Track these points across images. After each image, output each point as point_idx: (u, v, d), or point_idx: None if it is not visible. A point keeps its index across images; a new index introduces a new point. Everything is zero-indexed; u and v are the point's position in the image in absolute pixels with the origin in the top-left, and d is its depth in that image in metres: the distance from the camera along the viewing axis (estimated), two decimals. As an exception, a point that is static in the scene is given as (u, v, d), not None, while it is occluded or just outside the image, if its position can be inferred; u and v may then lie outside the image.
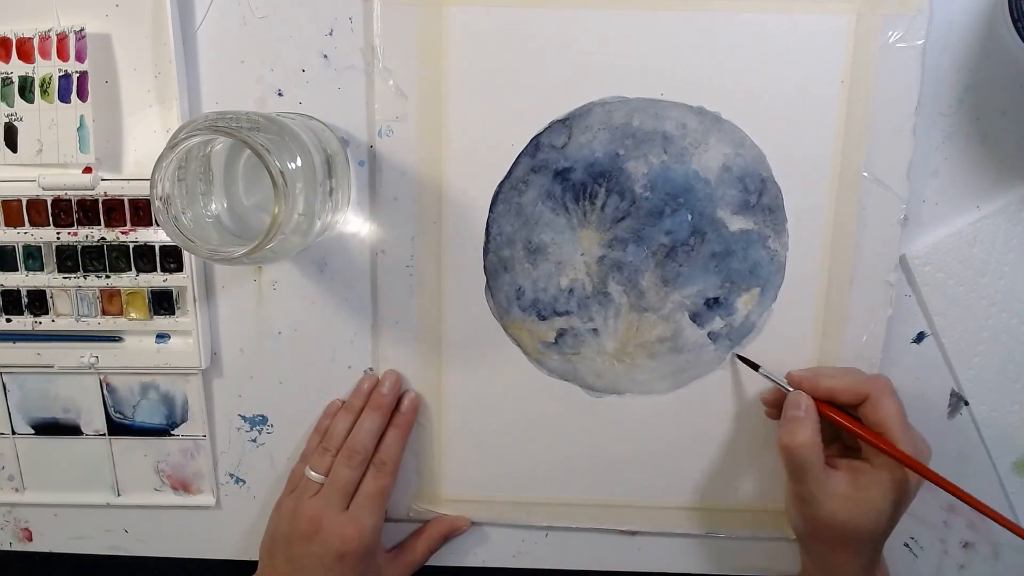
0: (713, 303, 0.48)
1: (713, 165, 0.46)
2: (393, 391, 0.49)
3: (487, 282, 0.49)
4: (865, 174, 0.46)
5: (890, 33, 0.44)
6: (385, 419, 0.49)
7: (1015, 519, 0.51)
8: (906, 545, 0.52)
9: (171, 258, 0.48)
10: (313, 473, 0.48)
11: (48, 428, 0.52)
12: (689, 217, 0.47)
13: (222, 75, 0.47)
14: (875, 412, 0.43)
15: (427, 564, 0.52)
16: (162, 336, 0.50)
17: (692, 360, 0.49)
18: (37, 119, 0.46)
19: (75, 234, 0.47)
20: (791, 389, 0.46)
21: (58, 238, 0.48)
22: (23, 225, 0.47)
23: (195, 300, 0.48)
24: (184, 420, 0.51)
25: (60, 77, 0.45)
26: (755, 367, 0.48)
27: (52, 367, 0.50)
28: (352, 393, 0.50)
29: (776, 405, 0.47)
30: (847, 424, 0.44)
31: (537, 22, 0.45)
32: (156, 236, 0.47)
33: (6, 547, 0.55)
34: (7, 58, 0.46)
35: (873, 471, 0.43)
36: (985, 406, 0.49)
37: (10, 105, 0.46)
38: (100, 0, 0.45)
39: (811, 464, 0.43)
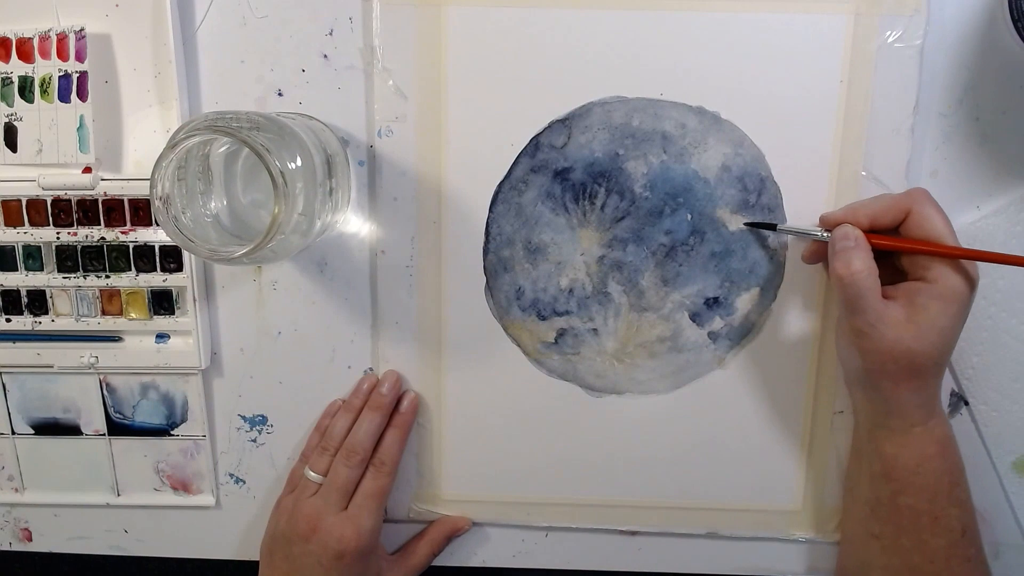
0: (713, 303, 0.48)
1: (712, 165, 0.46)
2: (393, 391, 0.49)
3: (487, 282, 0.49)
4: (864, 173, 0.46)
5: (888, 33, 0.44)
6: (385, 419, 0.49)
7: (1015, 519, 0.51)
8: (906, 545, 0.52)
9: (171, 258, 0.48)
10: (312, 473, 0.48)
11: (48, 428, 0.52)
12: (689, 217, 0.47)
13: (222, 75, 0.47)
14: (920, 225, 0.42)
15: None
16: (162, 336, 0.50)
17: (692, 360, 0.49)
18: (37, 119, 0.46)
19: (75, 234, 0.48)
20: (824, 233, 0.44)
21: (58, 238, 0.48)
22: (23, 225, 0.48)
23: (195, 300, 0.48)
24: (184, 420, 0.51)
25: (60, 77, 0.45)
26: (772, 227, 0.46)
27: (52, 367, 0.50)
28: (352, 393, 0.50)
29: (816, 252, 0.46)
30: (898, 244, 0.42)
31: (536, 22, 0.45)
32: (156, 236, 0.47)
33: (6, 547, 0.55)
34: (7, 58, 0.46)
35: (929, 287, 0.41)
36: (985, 406, 0.49)
37: (10, 105, 0.46)
38: (100, 0, 0.45)
39: (870, 292, 0.41)
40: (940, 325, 0.41)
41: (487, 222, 0.48)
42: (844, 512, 0.50)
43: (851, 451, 0.49)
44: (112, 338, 0.50)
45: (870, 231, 0.43)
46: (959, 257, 0.41)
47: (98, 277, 0.48)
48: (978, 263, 0.42)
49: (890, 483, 0.44)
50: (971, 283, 0.42)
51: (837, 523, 0.51)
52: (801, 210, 0.47)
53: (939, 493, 0.43)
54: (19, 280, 0.48)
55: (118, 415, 0.52)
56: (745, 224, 0.47)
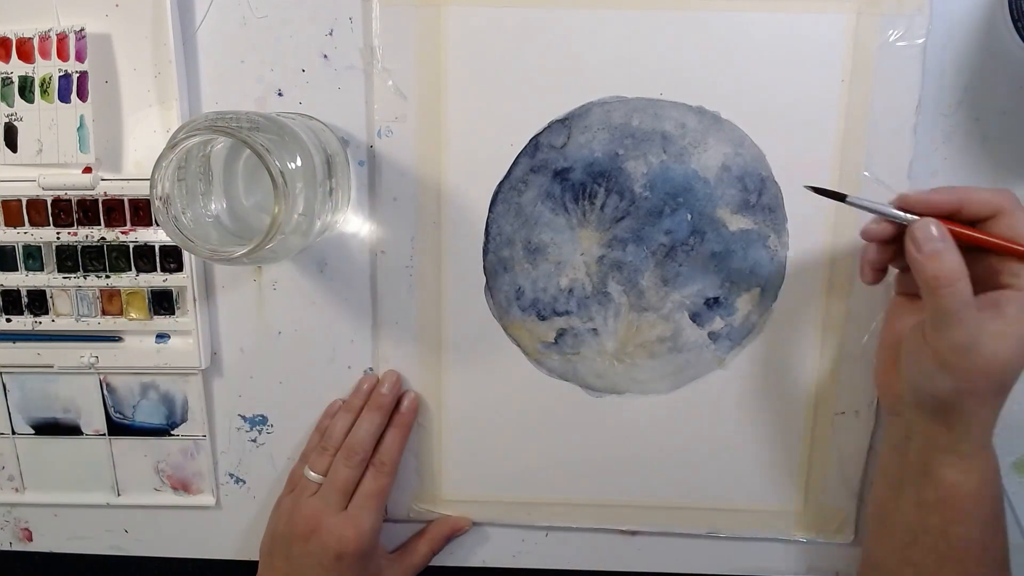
0: (713, 303, 0.48)
1: (713, 164, 0.46)
2: (393, 391, 0.49)
3: (487, 282, 0.49)
4: (866, 173, 0.46)
5: (890, 32, 0.44)
6: (385, 419, 0.49)
7: (1015, 519, 0.51)
8: (906, 545, 0.52)
9: (171, 258, 0.48)
10: (312, 473, 0.48)
11: (48, 428, 0.52)
12: (689, 217, 0.47)
13: (222, 75, 0.47)
14: (1012, 227, 0.37)
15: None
16: (162, 336, 0.50)
17: (692, 360, 0.49)
18: (37, 119, 0.46)
19: (75, 234, 0.48)
20: (911, 216, 0.39)
21: (58, 238, 0.48)
22: (23, 225, 0.48)
23: (195, 300, 0.48)
24: (184, 420, 0.51)
25: (60, 77, 0.45)
26: (841, 198, 0.40)
27: (52, 367, 0.50)
28: (352, 393, 0.50)
29: (884, 240, 0.40)
30: (991, 239, 0.38)
31: (536, 22, 0.45)
32: (156, 236, 0.47)
33: (6, 547, 0.55)
34: (7, 58, 0.46)
35: (1018, 295, 0.37)
36: (985, 406, 0.49)
37: (10, 105, 0.46)
38: (100, 0, 0.45)
39: (969, 302, 0.36)
40: None
41: (487, 222, 0.48)
42: (873, 538, 0.46)
43: (886, 479, 0.45)
44: (112, 338, 0.50)
45: (950, 220, 0.38)
46: None
47: (98, 277, 0.48)
48: None
49: (945, 512, 0.40)
50: None
51: (838, 523, 0.51)
52: (801, 210, 0.47)
53: (989, 522, 0.41)
54: (19, 280, 0.48)
55: (118, 415, 0.52)
56: (810, 187, 0.41)
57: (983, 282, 0.38)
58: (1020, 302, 0.37)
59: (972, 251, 0.38)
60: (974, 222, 0.39)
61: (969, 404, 0.39)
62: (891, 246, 0.41)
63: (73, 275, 0.48)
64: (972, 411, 0.39)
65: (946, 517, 0.41)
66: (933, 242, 0.37)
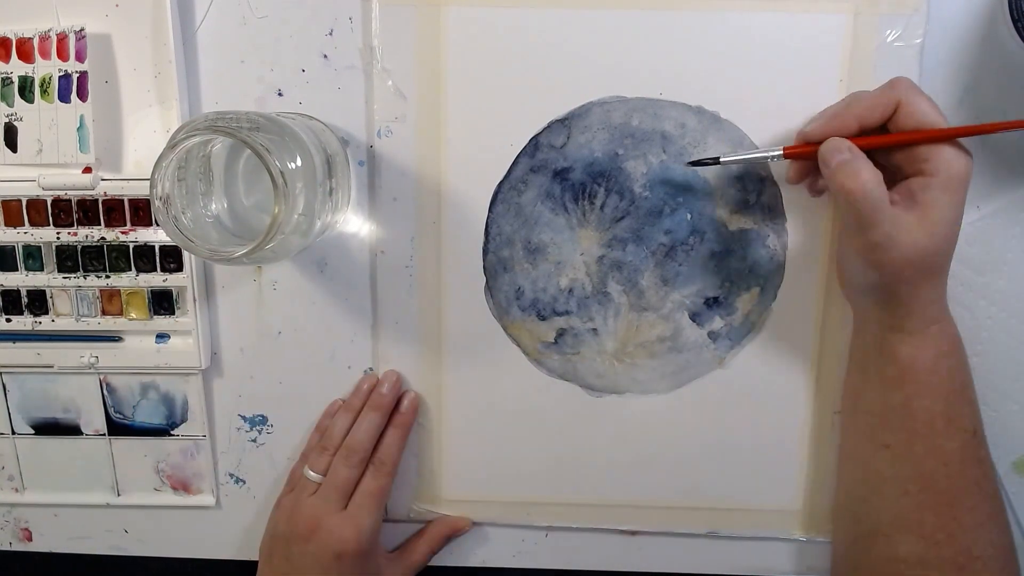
0: (713, 302, 0.48)
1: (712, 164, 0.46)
2: (393, 391, 0.49)
3: (487, 282, 0.49)
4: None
5: (888, 32, 0.44)
6: (384, 419, 0.49)
7: (1015, 519, 0.51)
8: (906, 545, 0.52)
9: (171, 258, 0.48)
10: (311, 472, 0.48)
11: (48, 428, 0.52)
12: (688, 216, 0.47)
13: (222, 75, 0.47)
14: (912, 115, 0.39)
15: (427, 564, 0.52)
16: (162, 336, 0.50)
17: (692, 360, 0.49)
18: (37, 119, 0.46)
19: (75, 234, 0.48)
20: (773, 155, 0.43)
21: (58, 238, 0.48)
22: (23, 225, 0.48)
23: (195, 300, 0.48)
24: (184, 420, 0.51)
25: (60, 77, 0.45)
26: (715, 161, 0.44)
27: (52, 367, 0.50)
28: (352, 393, 0.50)
29: (800, 170, 0.44)
30: (898, 138, 0.40)
31: (536, 22, 0.45)
32: (156, 236, 0.47)
33: (6, 547, 0.55)
34: (7, 58, 0.46)
35: (933, 180, 0.39)
36: (985, 406, 0.49)
37: (10, 105, 0.46)
38: (100, 0, 0.45)
39: (882, 202, 0.39)
40: (950, 217, 0.39)
41: (487, 222, 0.48)
42: (844, 431, 0.48)
43: (852, 365, 0.47)
44: (112, 338, 0.50)
45: (858, 135, 0.41)
46: (962, 135, 0.39)
47: (98, 277, 0.48)
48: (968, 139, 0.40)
49: (905, 387, 0.43)
50: (970, 163, 0.40)
51: (833, 521, 0.51)
52: (801, 209, 0.47)
53: (953, 392, 0.43)
54: (19, 280, 0.48)
55: (118, 415, 0.52)
56: (688, 164, 0.45)
57: (900, 172, 0.41)
58: (935, 187, 0.39)
59: (887, 150, 0.41)
60: (882, 126, 0.41)
61: (900, 289, 0.41)
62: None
63: (73, 275, 0.48)
64: (906, 295, 0.41)
65: (907, 392, 0.43)
66: (840, 155, 0.40)
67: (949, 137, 0.39)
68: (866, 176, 0.39)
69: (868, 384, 0.45)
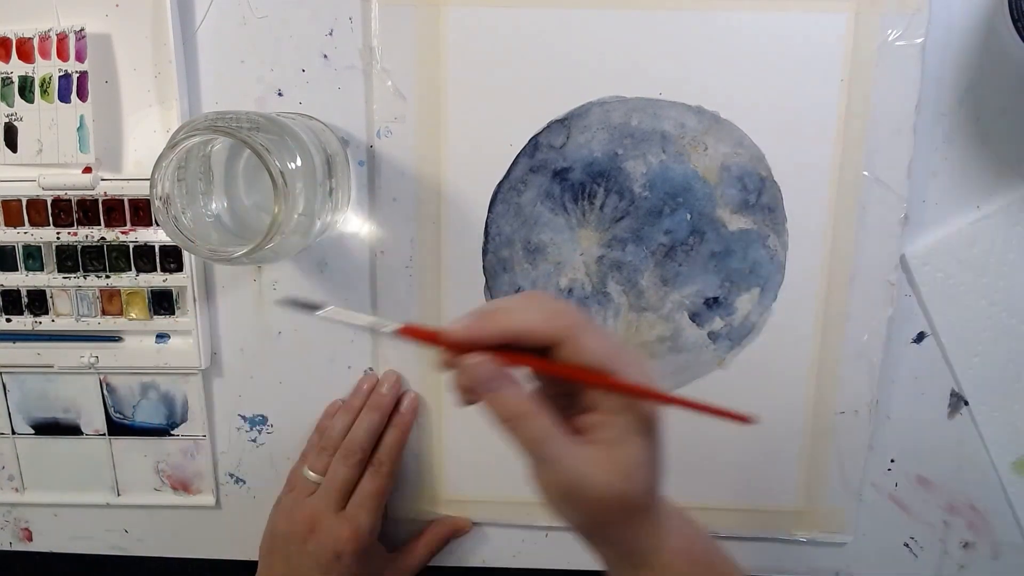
0: (713, 303, 0.48)
1: (712, 164, 0.46)
2: (392, 391, 0.49)
3: (486, 282, 0.49)
4: (865, 173, 0.46)
5: (889, 32, 0.44)
6: (384, 419, 0.49)
7: (1015, 519, 0.51)
8: (906, 545, 0.52)
9: (171, 258, 0.48)
10: (311, 472, 0.48)
11: (48, 428, 0.52)
12: (688, 216, 0.47)
13: (222, 75, 0.47)
14: (576, 353, 0.33)
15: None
16: (162, 336, 0.50)
17: (692, 360, 0.49)
18: (37, 119, 0.46)
19: (75, 234, 0.48)
20: (388, 328, 0.35)
21: (58, 238, 0.48)
22: (23, 225, 0.48)
23: (195, 300, 0.48)
24: (184, 420, 0.51)
25: (60, 77, 0.45)
26: (314, 308, 0.35)
27: (52, 367, 0.50)
28: (352, 393, 0.50)
29: (449, 363, 0.35)
30: (560, 370, 0.33)
31: (535, 22, 0.45)
32: (156, 236, 0.47)
33: (6, 547, 0.55)
34: (7, 58, 0.46)
35: (614, 420, 0.33)
36: (985, 406, 0.49)
37: (10, 105, 0.46)
38: (100, 0, 0.45)
39: (553, 438, 0.33)
40: (644, 459, 0.34)
41: (486, 222, 0.48)
42: None
43: None
44: (112, 338, 0.50)
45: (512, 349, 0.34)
46: (640, 396, 0.33)
47: (98, 277, 0.48)
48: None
49: None
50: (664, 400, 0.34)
51: (838, 523, 0.51)
52: (801, 210, 0.47)
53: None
54: (19, 280, 0.48)
55: (118, 415, 0.52)
56: (280, 301, 0.40)
57: (574, 400, 0.35)
58: (616, 428, 0.33)
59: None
60: (541, 348, 0.34)
61: (610, 533, 0.35)
62: None
63: (73, 275, 0.48)
64: (622, 539, 0.35)
65: None
66: (488, 382, 0.34)
67: (634, 394, 0.33)
68: (519, 406, 0.33)
69: None
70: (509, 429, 0.34)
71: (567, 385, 0.35)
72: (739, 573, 0.38)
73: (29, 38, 0.45)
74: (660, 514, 0.36)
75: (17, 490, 0.53)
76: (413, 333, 0.35)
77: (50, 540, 0.55)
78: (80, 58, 0.45)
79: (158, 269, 0.48)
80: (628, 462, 0.33)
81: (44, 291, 0.49)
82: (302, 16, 0.46)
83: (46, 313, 0.49)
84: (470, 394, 0.35)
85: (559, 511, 0.35)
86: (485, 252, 0.48)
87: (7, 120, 0.46)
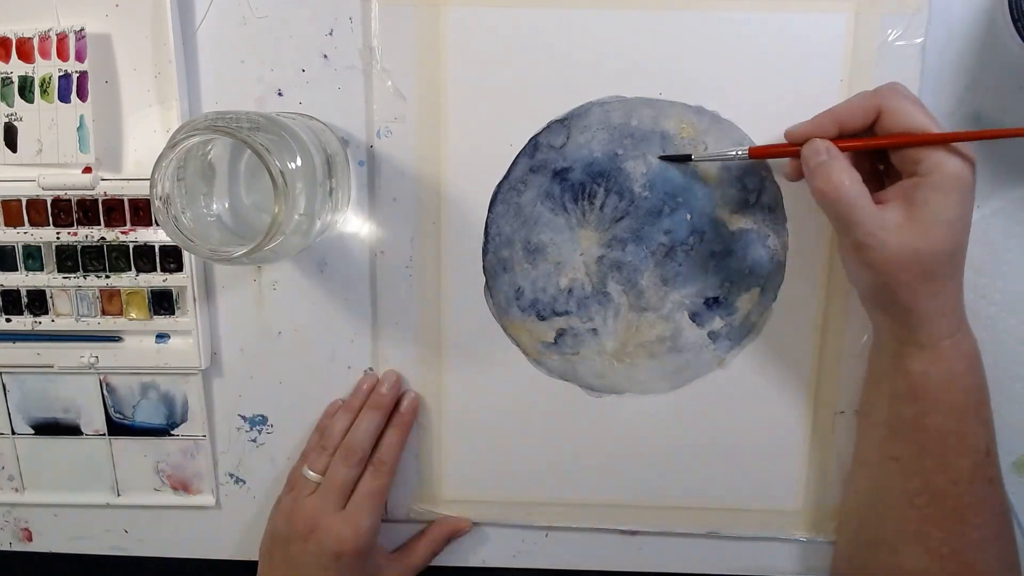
0: (713, 303, 0.48)
1: (712, 164, 0.46)
2: (393, 391, 0.49)
3: (486, 282, 0.49)
4: (865, 174, 0.46)
5: (889, 31, 0.44)
6: (384, 419, 0.49)
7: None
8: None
9: (171, 258, 0.48)
10: (311, 472, 0.48)
11: (48, 428, 0.52)
12: (688, 216, 0.47)
13: (222, 75, 0.47)
14: (896, 122, 0.39)
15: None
16: (162, 336, 0.50)
17: (692, 360, 0.49)
18: (37, 119, 0.46)
19: (75, 234, 0.48)
20: (738, 152, 0.43)
21: (58, 238, 0.48)
22: (23, 225, 0.48)
23: (195, 300, 0.48)
24: (184, 420, 0.51)
25: (60, 77, 0.45)
26: (687, 159, 0.45)
27: (52, 367, 0.50)
28: (352, 393, 0.50)
29: (796, 167, 0.42)
30: (875, 142, 0.40)
31: (535, 22, 0.45)
32: (156, 236, 0.47)
33: (6, 547, 0.55)
34: (7, 58, 0.46)
35: (924, 181, 0.38)
36: (985, 406, 0.49)
37: (10, 105, 0.46)
38: (100, 0, 0.45)
39: (858, 200, 0.38)
40: (945, 218, 0.38)
41: (486, 222, 0.48)
42: (858, 436, 0.47)
43: (868, 372, 0.46)
44: (112, 338, 0.50)
45: (841, 137, 0.40)
46: (946, 141, 0.38)
47: (98, 277, 0.48)
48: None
49: (916, 403, 0.41)
50: (970, 165, 0.38)
51: (838, 523, 0.51)
52: (801, 210, 0.47)
53: (967, 411, 0.41)
54: (19, 280, 0.48)
55: (118, 415, 0.52)
56: (660, 157, 0.46)
57: (897, 176, 0.40)
58: (925, 186, 0.38)
59: (887, 153, 0.41)
60: (868, 128, 0.40)
61: (901, 295, 0.40)
62: None
63: (73, 275, 0.48)
64: (908, 301, 0.40)
65: (918, 407, 0.42)
66: (816, 157, 0.40)
67: (932, 143, 0.38)
68: (838, 177, 0.39)
69: (880, 395, 0.44)
70: (826, 199, 0.39)
71: (872, 166, 0.41)
72: (988, 404, 0.42)
73: (29, 38, 0.45)
74: (951, 297, 0.40)
75: (17, 490, 0.53)
76: (762, 152, 0.43)
77: (50, 540, 0.55)
78: (80, 58, 0.45)
79: (158, 269, 0.48)
80: (929, 219, 0.38)
81: (44, 291, 0.49)
82: (302, 16, 0.46)
83: (46, 313, 0.49)
84: (802, 167, 0.41)
85: (856, 276, 0.41)
86: (485, 252, 0.48)
87: (7, 120, 0.46)
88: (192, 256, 0.48)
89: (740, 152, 0.44)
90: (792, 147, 0.42)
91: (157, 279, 0.48)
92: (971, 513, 0.42)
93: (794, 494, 0.51)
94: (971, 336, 0.42)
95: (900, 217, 0.38)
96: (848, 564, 0.48)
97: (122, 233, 0.47)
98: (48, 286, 0.49)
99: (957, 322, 0.41)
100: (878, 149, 0.41)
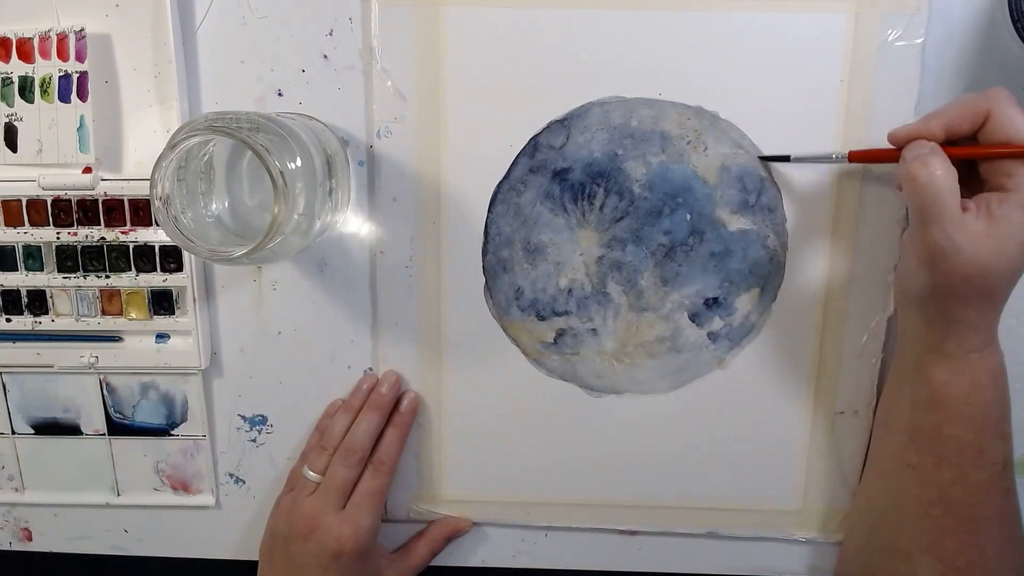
0: (712, 303, 0.48)
1: (712, 165, 0.46)
2: (392, 391, 0.49)
3: (486, 282, 0.49)
4: (866, 173, 0.46)
5: (889, 32, 0.44)
6: (384, 419, 0.49)
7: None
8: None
9: (171, 258, 0.48)
10: (310, 472, 0.48)
11: (48, 428, 0.52)
12: (688, 217, 0.47)
13: (222, 75, 0.47)
14: (1002, 128, 0.37)
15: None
16: (162, 336, 0.50)
17: (692, 360, 0.49)
18: (37, 119, 0.46)
19: (75, 234, 0.48)
20: (836, 155, 0.43)
21: (58, 238, 0.48)
22: (23, 225, 0.48)
23: (195, 300, 0.48)
24: (184, 420, 0.51)
25: (60, 77, 0.45)
26: (786, 159, 0.44)
27: (52, 367, 0.50)
28: (351, 393, 0.50)
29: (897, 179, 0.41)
30: (976, 150, 0.38)
31: (535, 22, 0.45)
32: (156, 236, 0.47)
33: (6, 547, 0.55)
34: (7, 58, 0.46)
35: (1011, 196, 0.37)
36: (985, 406, 0.49)
37: (10, 105, 0.46)
38: (100, 0, 0.45)
39: (949, 195, 0.37)
40: (1022, 238, 0.37)
41: (486, 222, 0.48)
42: (875, 440, 0.47)
43: (891, 377, 0.46)
44: (112, 338, 0.50)
45: (946, 143, 0.39)
46: None
47: (98, 277, 0.48)
48: None
49: (936, 412, 0.41)
50: None
51: (838, 523, 0.51)
52: (801, 210, 0.47)
53: (987, 424, 0.41)
54: (19, 280, 0.48)
55: (118, 415, 0.52)
56: (760, 157, 0.45)
57: (985, 186, 0.39)
58: (1010, 202, 0.37)
59: (976, 162, 0.39)
60: (974, 134, 0.39)
61: (951, 305, 0.39)
62: None
63: (73, 275, 0.48)
64: (955, 312, 0.39)
65: (937, 417, 0.41)
66: (918, 149, 0.38)
67: None
68: (937, 167, 0.37)
69: (901, 401, 0.44)
70: (915, 186, 0.37)
71: (985, 172, 0.39)
72: (1009, 418, 0.42)
73: (29, 38, 0.45)
74: (993, 313, 0.40)
75: (17, 490, 0.53)
76: (863, 156, 0.42)
77: (50, 540, 0.55)
78: (80, 58, 0.45)
79: (158, 269, 0.48)
80: (1004, 236, 0.37)
81: (44, 291, 0.49)
82: (302, 16, 0.46)
83: (46, 313, 0.49)
84: (901, 166, 0.39)
85: (911, 273, 0.40)
86: (485, 252, 0.48)
87: (7, 120, 0.46)
88: (192, 256, 0.48)
89: (839, 155, 0.43)
90: (894, 152, 0.40)
91: (157, 279, 0.48)
92: (986, 525, 0.42)
93: (794, 494, 0.51)
94: (998, 351, 0.41)
95: (980, 227, 0.37)
96: (859, 569, 0.48)
97: (122, 233, 0.47)
98: (48, 286, 0.49)
99: (988, 338, 0.40)
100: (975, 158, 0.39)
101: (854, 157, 0.43)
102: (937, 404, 0.41)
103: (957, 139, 0.39)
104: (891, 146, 0.41)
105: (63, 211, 0.47)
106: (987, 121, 0.38)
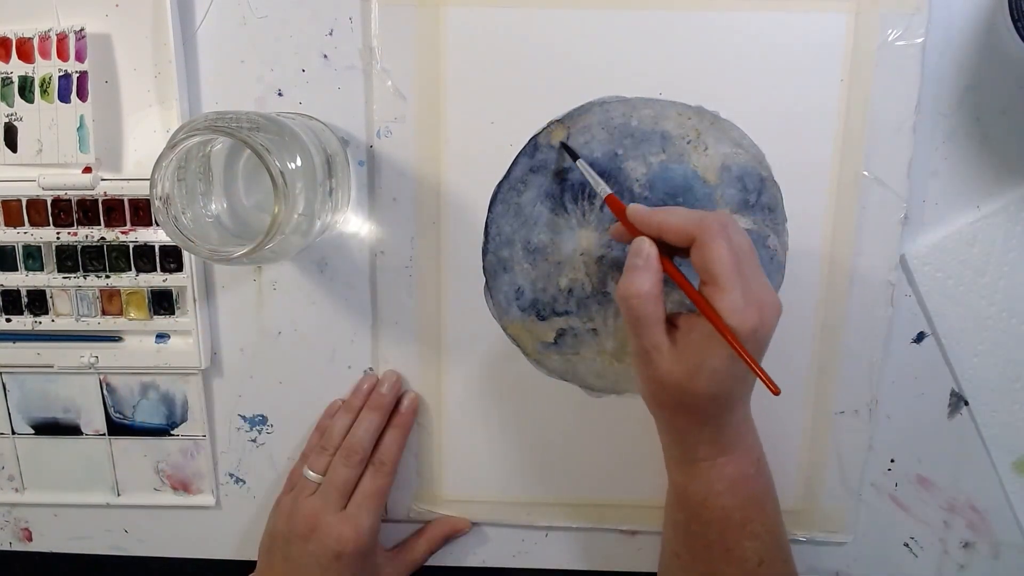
0: (713, 303, 0.48)
1: (712, 164, 0.46)
2: (393, 391, 0.49)
3: (486, 282, 0.49)
4: (865, 173, 0.46)
5: (889, 31, 0.44)
6: (384, 419, 0.49)
7: (1015, 519, 0.51)
8: (906, 545, 0.52)
9: (171, 258, 0.48)
10: (311, 472, 0.48)
11: (48, 428, 0.52)
12: (688, 217, 0.47)
13: (222, 75, 0.47)
14: (701, 258, 0.38)
15: (426, 564, 0.52)
16: (162, 336, 0.50)
17: (692, 360, 0.49)
18: (37, 119, 0.46)
19: (75, 234, 0.48)
20: (601, 187, 0.43)
21: (58, 238, 0.48)
22: (23, 225, 0.48)
23: (195, 300, 0.48)
24: (184, 420, 0.51)
25: (60, 77, 0.45)
26: (574, 157, 0.45)
27: (52, 367, 0.50)
28: (352, 393, 0.50)
29: (620, 235, 0.43)
30: (672, 274, 0.39)
31: (535, 22, 0.45)
32: (156, 236, 0.47)
33: (6, 547, 0.55)
34: (7, 58, 0.46)
35: (704, 324, 0.38)
36: (985, 406, 0.49)
37: (10, 105, 0.46)
38: (100, 0, 0.45)
39: (649, 317, 0.38)
40: (711, 367, 0.38)
41: (486, 222, 0.48)
42: (663, 528, 0.47)
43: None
44: (112, 338, 0.50)
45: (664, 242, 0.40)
46: (708, 317, 0.37)
47: (98, 277, 0.48)
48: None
49: (682, 510, 0.43)
50: (755, 324, 0.37)
51: (838, 523, 0.51)
52: (801, 210, 0.47)
53: (729, 527, 0.42)
54: (19, 280, 0.48)
55: (118, 415, 0.52)
56: (560, 144, 0.46)
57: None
58: (702, 330, 0.38)
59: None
60: (685, 246, 0.39)
61: (666, 414, 0.41)
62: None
63: (73, 275, 0.48)
64: (673, 422, 0.41)
65: (685, 515, 0.43)
66: (634, 259, 0.40)
67: (702, 312, 0.37)
68: (637, 289, 0.38)
69: (667, 496, 0.45)
70: (626, 300, 0.39)
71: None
72: (763, 521, 0.42)
73: (29, 38, 0.45)
74: (715, 431, 0.41)
75: (17, 490, 0.53)
76: (613, 203, 0.43)
77: (50, 540, 0.55)
78: (80, 58, 0.45)
79: (158, 269, 0.48)
80: (695, 363, 0.38)
81: (44, 291, 0.49)
82: (302, 16, 0.46)
83: (46, 313, 0.49)
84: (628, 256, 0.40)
85: (637, 386, 0.42)
86: (485, 252, 0.48)
87: (7, 120, 0.46)
88: (192, 256, 0.48)
89: (604, 190, 0.43)
90: (633, 229, 0.41)
91: (157, 279, 0.48)
92: None
93: (794, 494, 0.51)
94: (745, 459, 0.42)
95: (675, 349, 0.39)
96: None
97: (122, 233, 0.47)
98: (48, 286, 0.49)
99: (719, 449, 0.41)
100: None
101: (609, 201, 0.43)
102: (681, 503, 0.43)
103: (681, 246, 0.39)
104: (632, 223, 0.41)
105: (63, 211, 0.47)
106: (693, 244, 0.38)
